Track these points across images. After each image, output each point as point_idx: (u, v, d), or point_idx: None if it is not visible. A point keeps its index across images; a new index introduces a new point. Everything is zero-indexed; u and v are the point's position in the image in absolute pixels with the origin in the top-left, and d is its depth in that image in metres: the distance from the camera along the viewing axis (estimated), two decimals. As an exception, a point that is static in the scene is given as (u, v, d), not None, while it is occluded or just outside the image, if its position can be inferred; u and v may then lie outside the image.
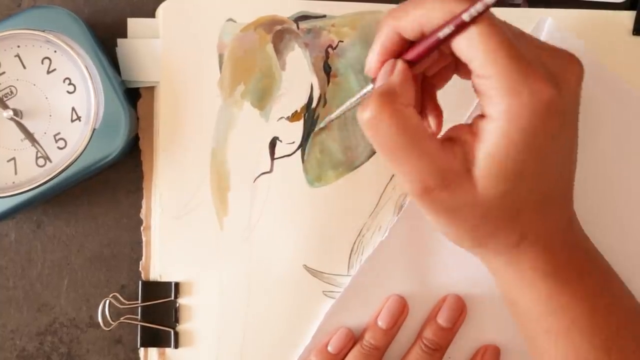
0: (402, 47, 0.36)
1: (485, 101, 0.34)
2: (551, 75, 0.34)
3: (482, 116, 0.35)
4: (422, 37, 0.35)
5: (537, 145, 0.34)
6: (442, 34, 0.34)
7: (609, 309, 0.38)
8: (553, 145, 0.35)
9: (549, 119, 0.33)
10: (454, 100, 0.41)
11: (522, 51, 0.33)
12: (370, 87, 0.39)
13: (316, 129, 0.47)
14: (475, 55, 0.33)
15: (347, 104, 0.42)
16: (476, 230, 0.36)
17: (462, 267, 0.45)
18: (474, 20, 0.33)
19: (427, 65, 0.38)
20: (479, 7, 0.32)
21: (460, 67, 0.39)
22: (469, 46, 0.33)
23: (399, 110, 0.34)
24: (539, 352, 0.39)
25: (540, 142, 0.34)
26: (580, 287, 0.37)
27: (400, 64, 0.36)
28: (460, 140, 0.35)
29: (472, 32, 0.33)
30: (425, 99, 0.40)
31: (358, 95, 0.40)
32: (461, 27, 0.33)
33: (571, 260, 0.37)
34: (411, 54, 0.36)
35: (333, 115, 0.45)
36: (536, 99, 0.33)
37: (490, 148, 0.34)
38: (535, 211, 0.36)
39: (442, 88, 0.40)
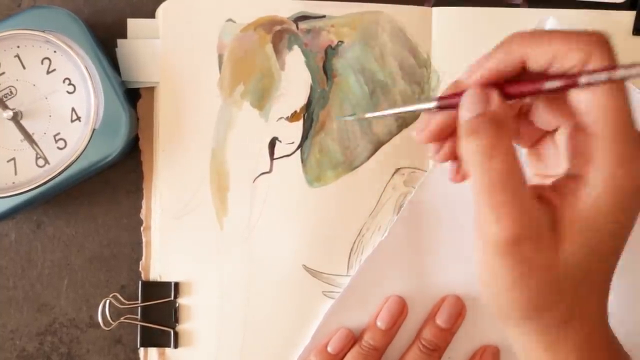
0: (512, 76, 0.33)
1: (583, 162, 0.32)
2: None
3: (571, 178, 0.32)
4: (540, 74, 0.32)
5: (624, 223, 0.32)
6: (585, 79, 0.31)
7: None
8: (631, 228, 0.33)
9: None
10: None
11: (635, 124, 0.32)
12: (432, 104, 0.34)
13: (344, 117, 0.46)
14: (593, 108, 0.31)
15: (396, 110, 0.37)
16: (538, 297, 0.32)
17: (461, 268, 0.45)
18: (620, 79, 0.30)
19: None
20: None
21: (523, 129, 0.36)
22: (592, 99, 0.31)
23: (512, 148, 0.31)
24: None
25: (627, 222, 0.32)
26: None
27: (496, 97, 0.32)
28: (544, 198, 0.33)
29: (602, 87, 0.31)
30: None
31: (414, 107, 0.35)
32: (604, 81, 0.30)
33: (608, 355, 0.35)
34: (519, 89, 0.32)
35: (370, 115, 0.39)
36: None
37: (581, 215, 0.32)
38: (595, 290, 0.34)
39: None
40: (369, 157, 0.47)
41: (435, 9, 0.47)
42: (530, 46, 0.32)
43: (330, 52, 0.47)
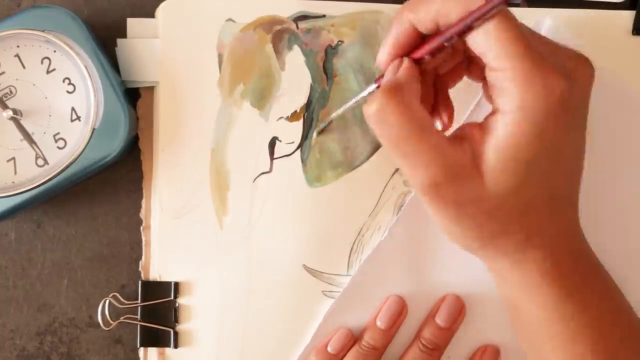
0: (415, 42, 0.36)
1: (497, 95, 0.34)
2: (564, 71, 0.34)
3: (492, 113, 0.35)
4: (437, 31, 0.35)
5: (547, 139, 0.34)
6: (456, 29, 0.34)
7: (613, 319, 0.37)
8: (563, 142, 0.35)
9: (561, 113, 0.33)
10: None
11: (536, 45, 0.33)
12: (373, 86, 0.39)
13: (318, 128, 0.47)
14: (490, 47, 0.33)
15: (350, 102, 0.42)
16: (483, 228, 0.36)
17: (461, 267, 0.45)
18: (492, 15, 0.33)
19: (439, 62, 0.38)
20: (497, 2, 0.32)
21: (471, 67, 0.39)
22: (484, 39, 0.33)
23: (404, 103, 0.34)
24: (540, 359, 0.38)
25: (551, 137, 0.34)
26: (586, 295, 0.37)
27: (406, 61, 0.36)
28: (469, 137, 0.35)
29: (488, 25, 0.33)
30: (437, 97, 0.40)
31: (361, 94, 0.40)
32: (478, 22, 0.33)
33: (577, 267, 0.37)
34: (420, 52, 0.36)
35: (334, 115, 0.45)
36: (549, 91, 0.33)
37: (500, 141, 0.34)
38: (543, 210, 0.36)
39: (453, 87, 0.40)
40: (369, 157, 0.47)
41: (435, 9, 0.47)
42: (414, 11, 0.35)
43: (331, 51, 0.47)
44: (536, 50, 0.33)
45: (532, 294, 0.37)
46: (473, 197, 0.34)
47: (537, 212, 0.35)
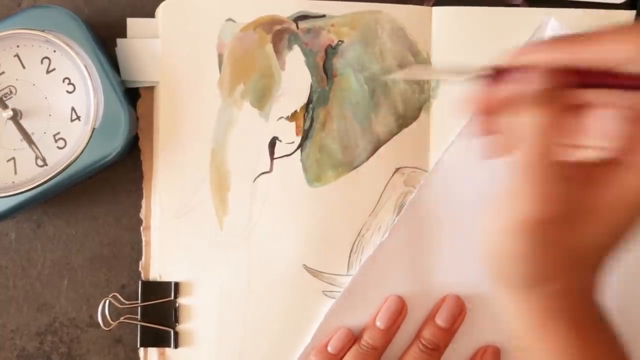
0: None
1: (630, 149, 0.32)
2: None
3: (615, 163, 0.32)
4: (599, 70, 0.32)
5: None
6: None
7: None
8: None
9: None
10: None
11: None
12: (485, 72, 0.33)
13: (391, 75, 0.45)
14: None
15: (447, 74, 0.36)
16: (546, 270, 0.33)
17: (462, 268, 0.45)
18: None
19: None
20: None
21: None
22: None
23: (565, 129, 0.32)
24: None
25: None
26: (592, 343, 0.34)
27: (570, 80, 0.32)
28: (579, 179, 0.33)
29: None
30: None
31: (464, 76, 0.34)
32: None
33: (591, 317, 0.35)
34: (594, 80, 0.32)
35: (414, 76, 0.39)
36: None
37: (618, 199, 0.32)
38: (595, 265, 0.34)
39: None
40: (369, 157, 0.47)
41: (435, 9, 0.47)
42: (581, 52, 0.32)
43: (331, 51, 0.47)
44: None
45: (543, 332, 0.34)
46: (561, 243, 0.32)
47: (589, 266, 0.34)
